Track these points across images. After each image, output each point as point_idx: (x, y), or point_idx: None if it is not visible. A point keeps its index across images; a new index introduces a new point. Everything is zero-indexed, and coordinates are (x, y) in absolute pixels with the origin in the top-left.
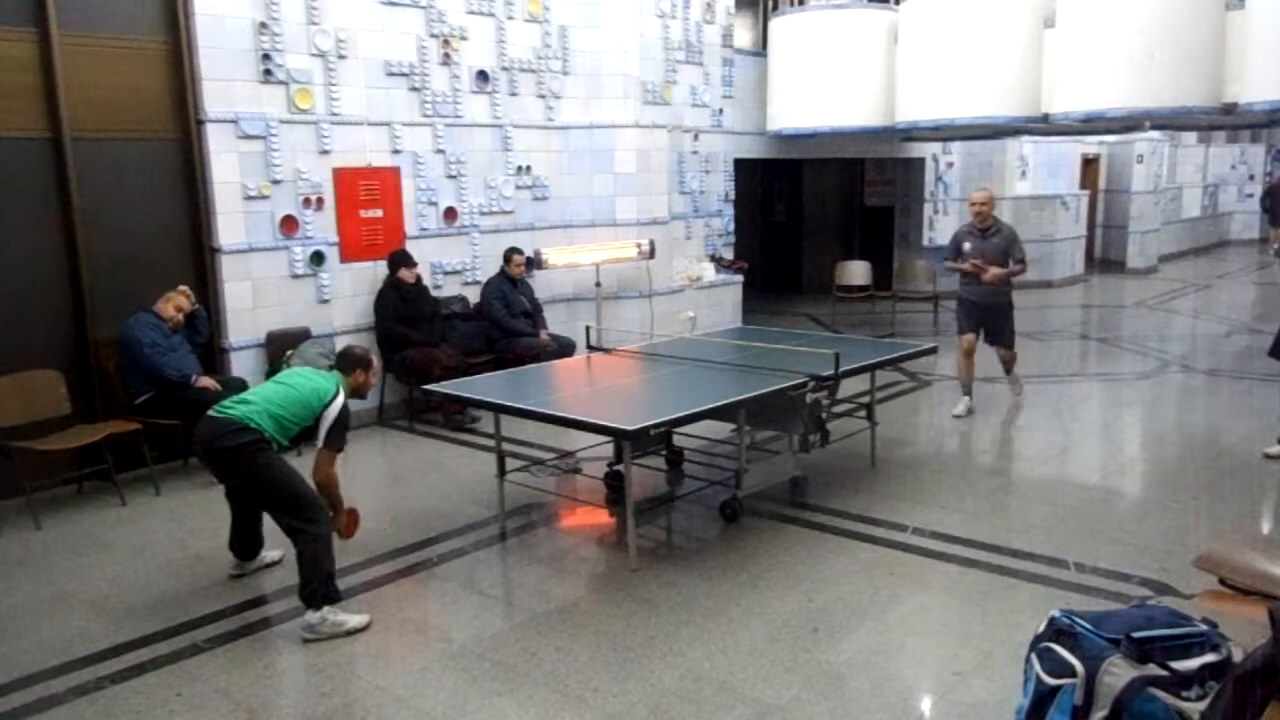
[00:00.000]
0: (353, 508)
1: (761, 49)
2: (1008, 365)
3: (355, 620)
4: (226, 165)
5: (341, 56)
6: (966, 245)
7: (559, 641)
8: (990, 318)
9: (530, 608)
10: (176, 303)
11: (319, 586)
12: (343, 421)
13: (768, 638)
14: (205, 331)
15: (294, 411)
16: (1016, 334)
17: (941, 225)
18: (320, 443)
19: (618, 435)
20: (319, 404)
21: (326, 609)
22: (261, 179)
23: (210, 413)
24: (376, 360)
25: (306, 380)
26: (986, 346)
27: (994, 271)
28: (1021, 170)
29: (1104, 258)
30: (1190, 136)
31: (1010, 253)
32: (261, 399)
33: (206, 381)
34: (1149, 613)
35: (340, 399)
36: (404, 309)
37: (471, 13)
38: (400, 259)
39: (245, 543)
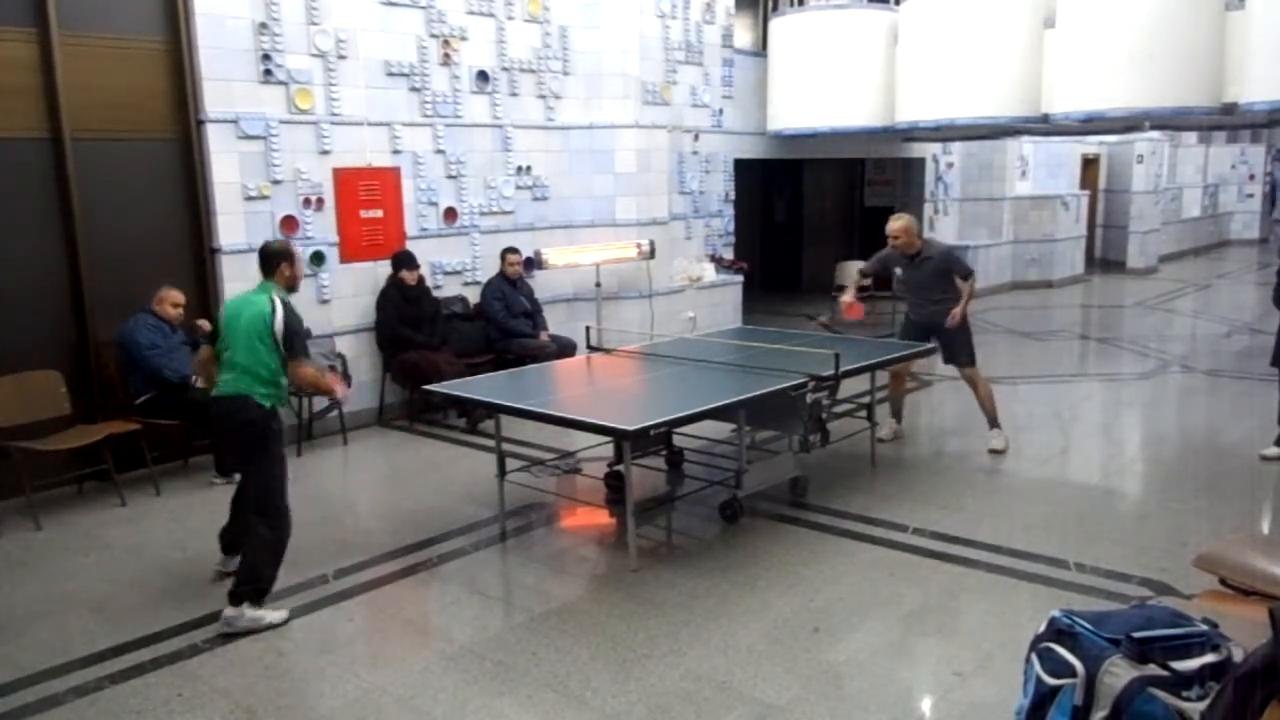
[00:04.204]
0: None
1: (761, 49)
2: (988, 408)
3: (273, 616)
4: (226, 165)
5: (341, 56)
6: (898, 270)
7: (559, 642)
8: (940, 335)
9: (530, 608)
10: (172, 299)
11: (247, 591)
12: (292, 328)
13: (768, 638)
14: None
15: (261, 354)
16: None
17: (941, 225)
18: (289, 359)
19: (618, 435)
20: (267, 326)
21: (246, 605)
22: (261, 179)
23: (214, 393)
24: (299, 251)
25: (245, 315)
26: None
27: (956, 312)
28: (1021, 170)
29: (1104, 258)
30: (1190, 136)
31: (953, 271)
32: (245, 366)
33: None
34: (1149, 613)
35: (279, 309)
36: (407, 310)
37: (471, 13)
38: (403, 260)
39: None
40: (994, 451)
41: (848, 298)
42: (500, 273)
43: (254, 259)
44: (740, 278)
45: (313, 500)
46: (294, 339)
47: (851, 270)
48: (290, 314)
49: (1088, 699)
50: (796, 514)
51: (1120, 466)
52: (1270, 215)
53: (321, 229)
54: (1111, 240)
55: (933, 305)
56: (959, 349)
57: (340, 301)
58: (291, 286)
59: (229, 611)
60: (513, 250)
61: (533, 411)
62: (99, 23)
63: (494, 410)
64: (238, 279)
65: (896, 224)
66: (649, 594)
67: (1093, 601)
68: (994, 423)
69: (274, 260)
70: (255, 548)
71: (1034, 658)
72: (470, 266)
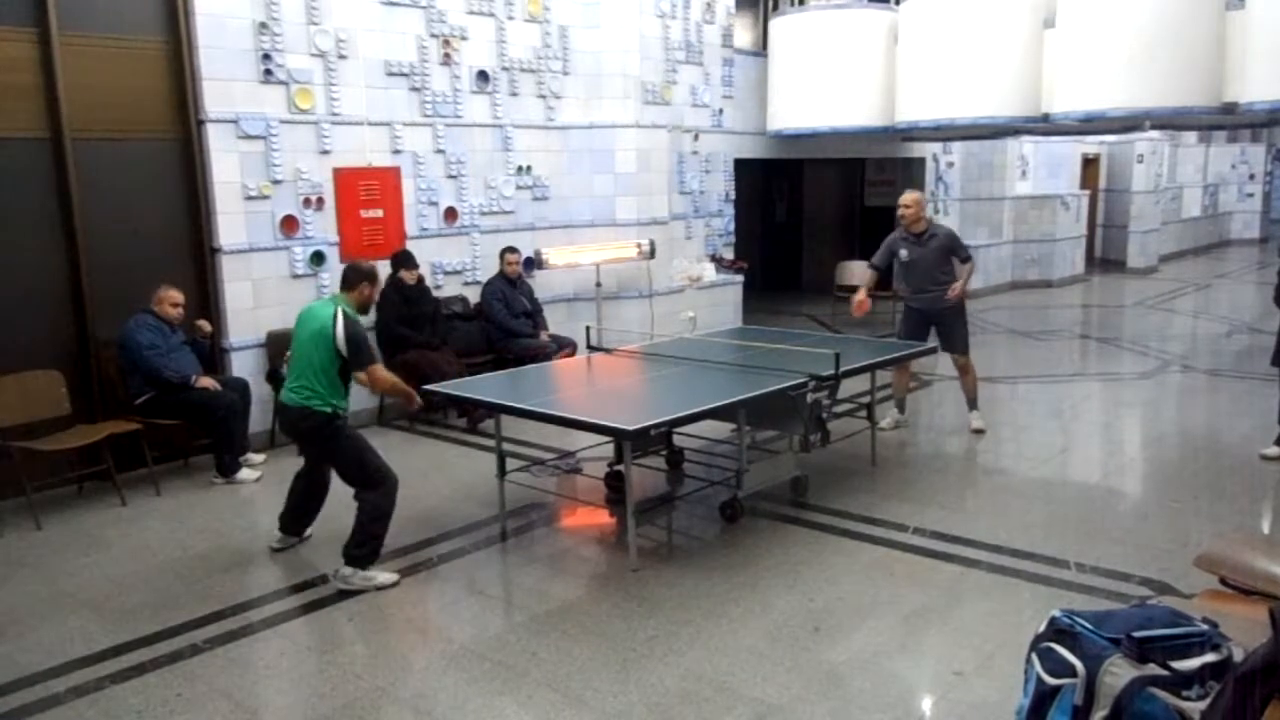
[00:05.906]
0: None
1: (761, 49)
2: (971, 394)
3: (384, 577)
4: (227, 165)
5: (341, 56)
6: (903, 252)
7: (559, 641)
8: (940, 323)
9: (530, 608)
10: (172, 299)
11: (361, 552)
12: (356, 340)
13: (768, 638)
14: (205, 344)
15: (325, 366)
16: (978, 337)
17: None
18: (357, 370)
19: (618, 435)
20: (329, 337)
21: (359, 567)
22: (262, 179)
23: (281, 399)
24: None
25: (310, 327)
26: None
27: (956, 287)
28: (1021, 170)
29: (1104, 257)
30: (1190, 136)
31: (955, 254)
32: (304, 376)
33: (206, 382)
34: (1149, 612)
35: (340, 322)
36: (406, 310)
37: (471, 13)
38: (401, 259)
39: (299, 520)
40: (976, 431)
41: (860, 295)
42: (500, 272)
43: (254, 258)
44: (740, 278)
45: None
46: (360, 348)
47: (854, 269)
48: (353, 326)
49: (1088, 699)
50: (797, 514)
51: (1120, 466)
52: None
53: (321, 229)
54: (1111, 240)
55: (933, 288)
56: (956, 337)
57: None
58: (364, 307)
59: (344, 570)
60: (512, 250)
61: (533, 411)
62: (99, 23)
63: (494, 410)
64: (238, 279)
65: (909, 196)
66: (649, 594)
67: (1093, 601)
68: (974, 405)
69: (358, 278)
70: (364, 514)
71: (1034, 657)
72: (470, 266)
